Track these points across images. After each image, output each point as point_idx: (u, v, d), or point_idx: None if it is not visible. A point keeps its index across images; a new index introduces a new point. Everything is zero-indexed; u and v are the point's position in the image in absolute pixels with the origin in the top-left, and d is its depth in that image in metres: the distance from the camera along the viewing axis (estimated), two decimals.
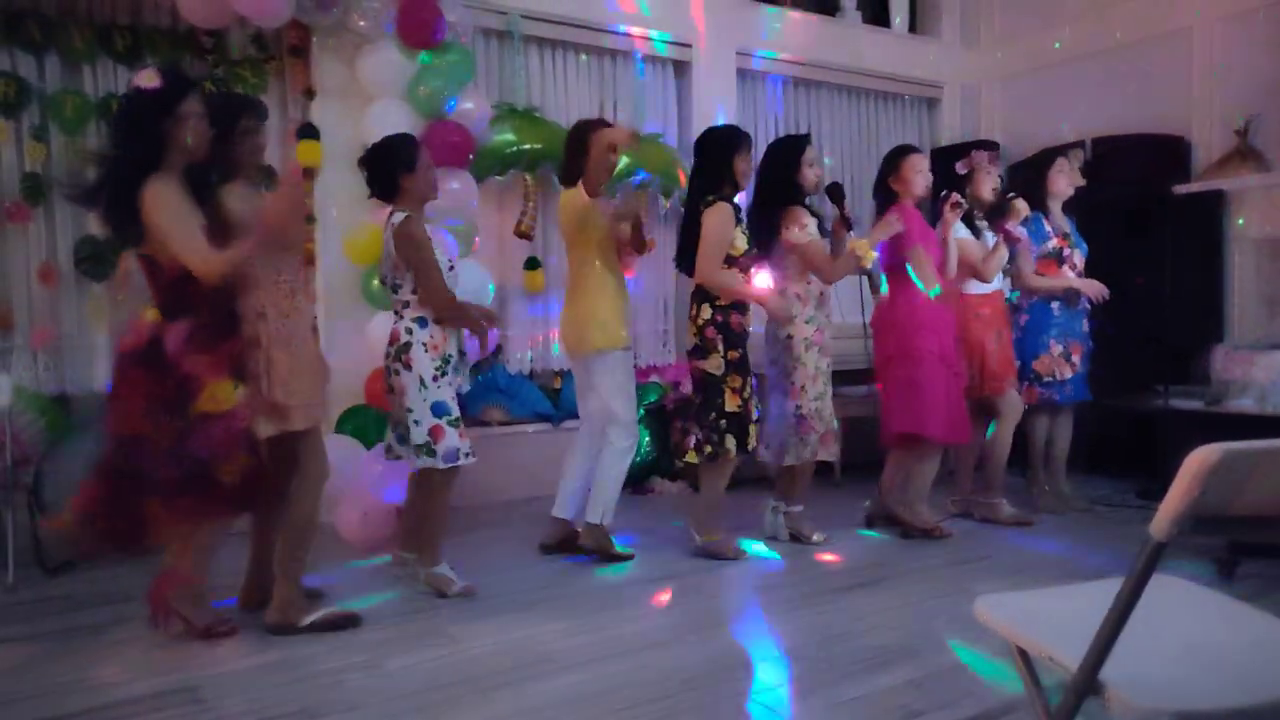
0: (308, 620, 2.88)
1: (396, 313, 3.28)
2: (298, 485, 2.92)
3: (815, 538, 3.89)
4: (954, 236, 4.01)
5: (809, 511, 3.97)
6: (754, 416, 3.66)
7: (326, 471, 2.99)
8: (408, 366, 3.18)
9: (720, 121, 5.69)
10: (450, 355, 3.25)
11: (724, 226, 3.53)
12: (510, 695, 2.42)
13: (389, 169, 3.25)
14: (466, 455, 3.21)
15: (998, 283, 4.19)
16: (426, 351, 3.18)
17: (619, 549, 3.70)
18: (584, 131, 3.65)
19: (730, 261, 3.56)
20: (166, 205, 2.55)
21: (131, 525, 2.63)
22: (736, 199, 3.67)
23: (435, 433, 3.17)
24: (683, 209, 3.89)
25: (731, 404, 3.59)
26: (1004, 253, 4.07)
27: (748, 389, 3.62)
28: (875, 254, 3.66)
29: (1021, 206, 4.13)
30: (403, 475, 3.85)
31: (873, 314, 4.15)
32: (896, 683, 2.45)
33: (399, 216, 3.22)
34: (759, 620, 3.04)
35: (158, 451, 2.59)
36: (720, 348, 3.57)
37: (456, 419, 3.22)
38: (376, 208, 4.25)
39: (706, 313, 3.59)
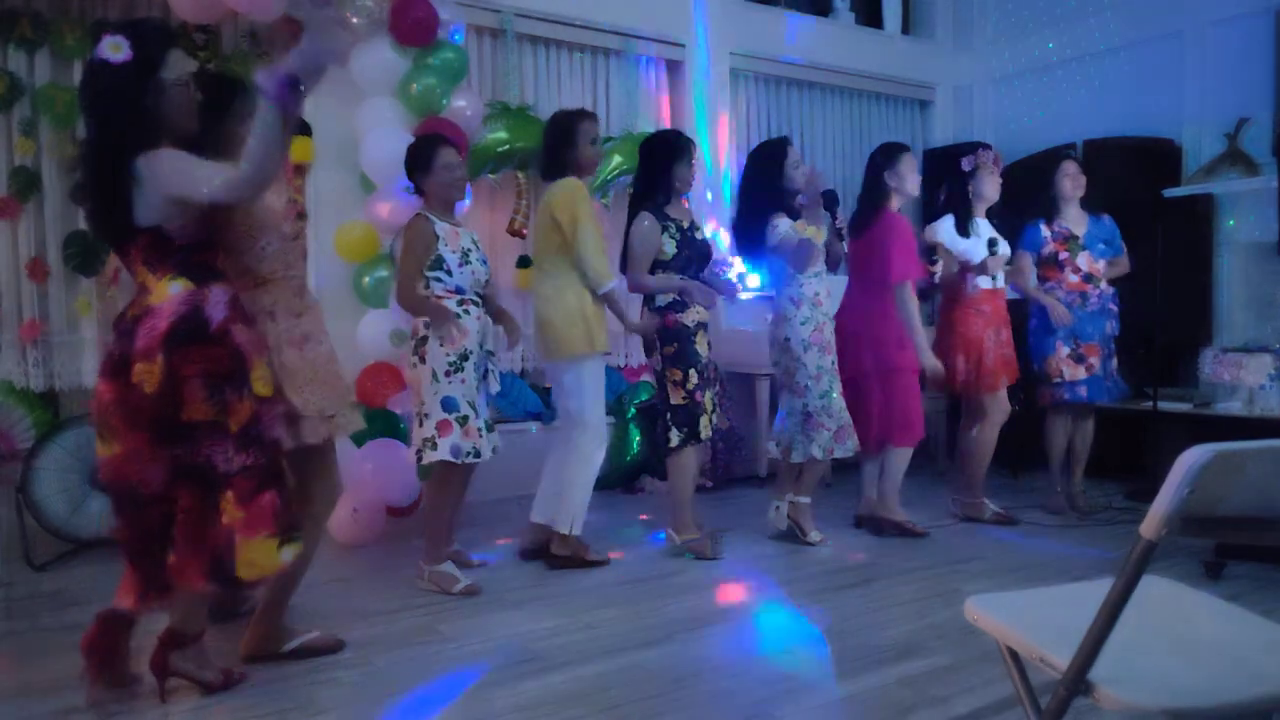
0: (290, 646, 2.65)
1: None
2: (304, 504, 2.57)
3: (812, 537, 3.89)
4: (939, 239, 4.15)
5: (809, 509, 3.96)
6: (709, 408, 3.69)
7: (337, 494, 2.72)
8: (423, 360, 3.24)
9: (717, 121, 5.71)
10: (470, 351, 3.25)
11: (645, 239, 3.63)
12: (500, 693, 2.41)
13: (409, 168, 3.38)
14: (468, 455, 3.21)
15: (1000, 280, 4.22)
16: (442, 345, 3.21)
17: (595, 555, 3.63)
18: (571, 121, 3.58)
19: (662, 266, 3.64)
20: (168, 157, 2.21)
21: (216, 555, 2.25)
22: (674, 204, 3.73)
23: (442, 428, 3.20)
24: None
25: (675, 397, 3.65)
26: (953, 276, 4.20)
27: (692, 380, 3.64)
28: (817, 228, 3.72)
29: (996, 263, 4.13)
30: (395, 472, 3.86)
31: (839, 316, 4.08)
32: (887, 682, 2.46)
33: (414, 214, 3.35)
34: (749, 619, 3.04)
35: (227, 438, 2.23)
36: (658, 345, 3.67)
37: (465, 416, 3.23)
38: (368, 204, 4.29)
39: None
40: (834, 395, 3.79)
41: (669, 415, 3.67)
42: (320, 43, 2.19)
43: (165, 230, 2.24)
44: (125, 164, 2.21)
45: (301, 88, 2.23)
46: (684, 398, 3.64)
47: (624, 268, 3.75)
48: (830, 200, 3.86)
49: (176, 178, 2.21)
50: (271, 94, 2.17)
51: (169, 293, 2.24)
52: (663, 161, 3.69)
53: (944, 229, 4.20)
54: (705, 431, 3.69)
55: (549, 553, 3.61)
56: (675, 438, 3.66)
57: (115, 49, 2.21)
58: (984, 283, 4.17)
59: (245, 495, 2.24)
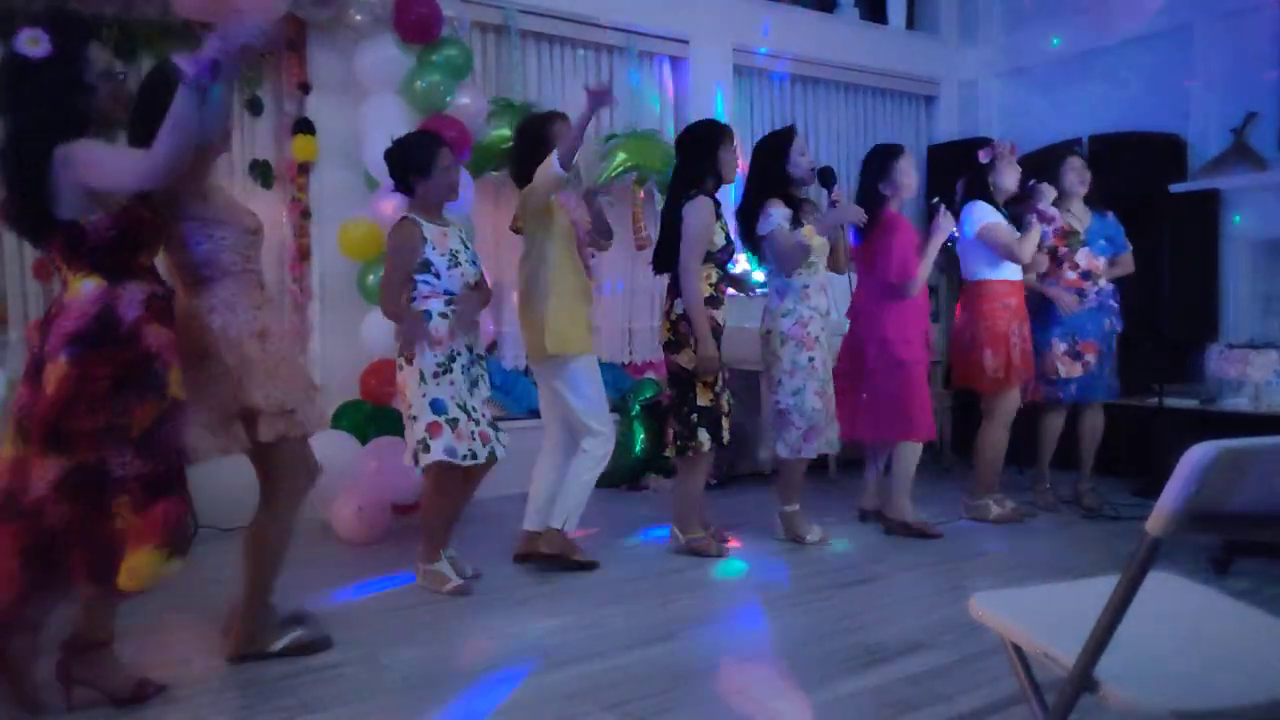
0: (278, 645, 2.59)
1: None
2: (268, 503, 2.57)
3: (810, 538, 3.85)
4: (986, 221, 4.01)
5: (804, 510, 3.93)
6: (726, 410, 3.65)
7: (303, 486, 2.63)
8: (409, 361, 3.18)
9: (720, 118, 5.69)
10: (458, 353, 3.19)
11: (705, 221, 3.53)
12: (504, 690, 2.41)
13: (402, 170, 3.25)
14: (464, 457, 3.13)
15: (1020, 273, 4.14)
16: (430, 347, 3.15)
17: (582, 557, 3.50)
18: (540, 126, 3.47)
19: (707, 257, 3.55)
20: (84, 148, 2.17)
21: (96, 550, 2.15)
22: (719, 193, 3.66)
23: (432, 430, 3.12)
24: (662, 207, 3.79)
25: (703, 398, 3.58)
26: (1038, 232, 4.03)
27: (719, 382, 3.61)
28: (822, 240, 3.65)
29: (1047, 190, 4.07)
30: (400, 470, 3.85)
31: (852, 315, 4.09)
32: (891, 679, 2.45)
33: (400, 216, 3.25)
34: (752, 616, 3.04)
35: (126, 443, 2.16)
36: (692, 342, 3.55)
37: (455, 419, 3.15)
38: (372, 202, 4.28)
39: (680, 307, 3.57)
40: (807, 394, 3.71)
41: (695, 416, 3.59)
42: (240, 23, 2.14)
43: (81, 225, 2.20)
44: (44, 157, 2.16)
45: (221, 69, 2.17)
46: (711, 399, 3.59)
47: (661, 265, 3.66)
48: (827, 177, 3.83)
49: (92, 169, 2.17)
50: (188, 76, 2.11)
51: (81, 290, 2.20)
52: (708, 148, 3.59)
53: (988, 211, 4.07)
54: (725, 436, 3.64)
55: (538, 554, 3.50)
56: (705, 441, 3.59)
57: (33, 43, 2.16)
58: (1010, 274, 4.10)
59: (139, 503, 2.17)
